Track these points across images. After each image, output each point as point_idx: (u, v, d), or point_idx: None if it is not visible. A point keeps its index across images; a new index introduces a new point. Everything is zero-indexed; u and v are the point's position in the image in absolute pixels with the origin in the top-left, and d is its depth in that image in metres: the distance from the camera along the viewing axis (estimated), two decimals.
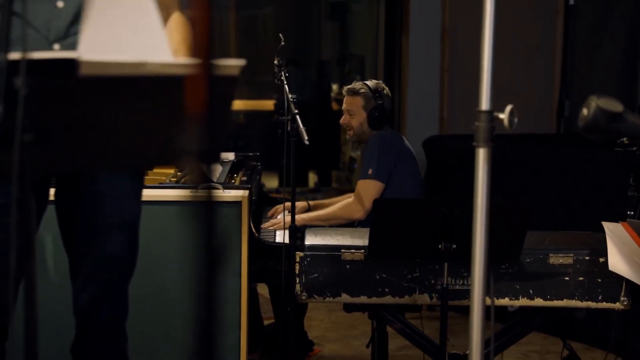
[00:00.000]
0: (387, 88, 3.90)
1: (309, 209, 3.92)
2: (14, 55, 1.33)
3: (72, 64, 1.33)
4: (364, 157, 3.82)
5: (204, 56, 0.96)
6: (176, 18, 2.30)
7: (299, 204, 3.86)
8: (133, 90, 1.41)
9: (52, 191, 2.28)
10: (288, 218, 3.16)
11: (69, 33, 2.11)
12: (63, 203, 2.27)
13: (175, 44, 2.25)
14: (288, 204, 3.25)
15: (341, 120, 3.91)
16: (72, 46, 2.09)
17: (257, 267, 3.25)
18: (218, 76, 0.99)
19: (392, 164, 3.72)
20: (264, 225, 3.65)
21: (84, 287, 2.27)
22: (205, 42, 0.95)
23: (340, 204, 3.80)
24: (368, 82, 3.89)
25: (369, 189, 3.66)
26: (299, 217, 3.49)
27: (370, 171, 3.70)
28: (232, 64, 1.41)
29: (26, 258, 1.46)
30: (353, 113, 3.86)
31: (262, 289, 4.21)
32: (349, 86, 3.92)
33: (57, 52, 1.34)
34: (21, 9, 2.02)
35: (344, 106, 3.91)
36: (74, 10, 2.11)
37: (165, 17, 2.29)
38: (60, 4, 2.10)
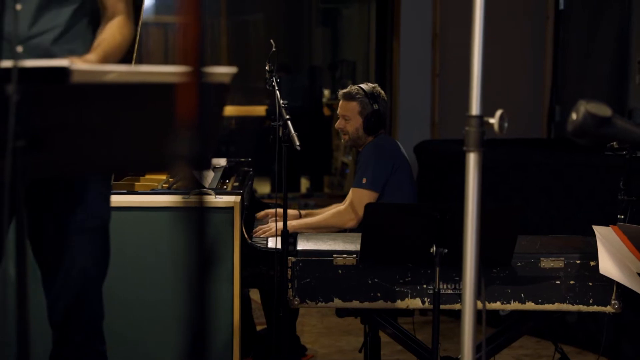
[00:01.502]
0: (383, 92, 3.83)
1: (299, 217, 3.88)
2: (6, 63, 1.34)
3: (64, 71, 1.34)
4: (359, 164, 3.77)
5: (195, 64, 0.97)
6: (116, 20, 2.29)
7: (291, 211, 3.80)
8: (124, 98, 1.42)
9: None
10: (280, 224, 3.16)
11: (31, 35, 2.13)
12: (32, 211, 2.25)
13: (100, 40, 2.24)
14: (280, 209, 3.23)
15: (336, 125, 3.85)
16: (35, 48, 2.11)
17: (249, 273, 3.25)
18: (209, 84, 1.00)
19: (387, 173, 3.68)
20: (256, 233, 3.64)
21: (59, 296, 2.26)
22: (196, 50, 0.95)
23: (332, 212, 3.75)
24: (364, 86, 3.81)
25: (362, 198, 3.61)
26: (289, 223, 3.48)
27: (364, 180, 3.66)
28: (224, 71, 1.41)
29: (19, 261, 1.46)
30: (348, 118, 3.79)
31: (255, 295, 4.21)
32: (345, 90, 3.83)
33: (49, 60, 1.35)
34: None
35: (339, 110, 3.83)
36: (33, 12, 2.13)
37: (110, 16, 2.29)
38: (18, 7, 2.12)
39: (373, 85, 3.85)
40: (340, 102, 3.83)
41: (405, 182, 3.75)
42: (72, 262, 2.24)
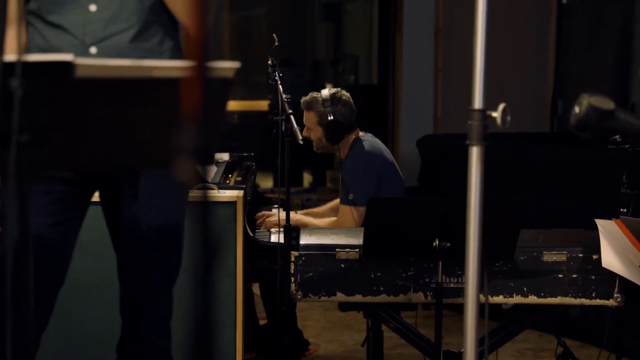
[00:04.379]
0: (345, 95, 3.74)
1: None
2: (10, 57, 1.34)
3: (68, 66, 1.34)
4: (345, 177, 3.72)
5: (199, 59, 0.97)
6: None
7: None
8: (128, 92, 1.42)
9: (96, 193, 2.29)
10: (282, 216, 3.17)
11: (105, 35, 2.12)
12: (107, 205, 2.28)
13: None
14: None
15: (303, 134, 3.70)
16: (109, 49, 2.10)
17: (251, 267, 3.25)
18: (213, 78, 1.00)
19: (374, 184, 3.65)
20: (258, 221, 3.65)
21: (129, 289, 2.29)
22: (200, 45, 0.96)
23: (330, 223, 3.74)
24: (324, 92, 3.73)
25: (353, 215, 3.59)
26: (295, 217, 3.48)
27: (351, 196, 3.63)
28: (227, 66, 1.42)
29: (23, 259, 1.46)
30: (310, 128, 3.76)
31: (257, 289, 4.21)
32: (304, 99, 3.77)
33: (52, 55, 1.35)
34: (56, 17, 2.05)
35: (303, 120, 3.79)
36: (108, 13, 2.12)
37: None
38: (92, 8, 2.11)
39: (335, 90, 3.76)
40: (304, 112, 3.79)
41: (393, 179, 3.73)
42: (143, 256, 2.25)
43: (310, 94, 3.78)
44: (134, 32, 2.14)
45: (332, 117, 3.67)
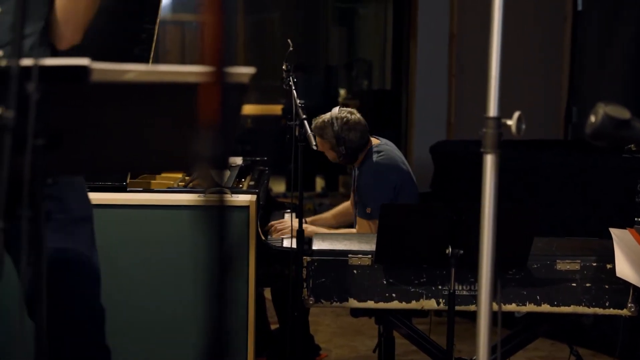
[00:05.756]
0: (353, 118, 3.65)
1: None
2: (26, 62, 1.34)
3: (84, 70, 1.34)
4: (360, 188, 3.70)
5: (217, 64, 0.97)
6: None
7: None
8: (143, 97, 1.42)
9: None
10: (295, 224, 3.16)
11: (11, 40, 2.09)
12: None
13: None
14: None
15: (318, 148, 3.67)
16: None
17: (264, 272, 3.25)
18: (229, 83, 1.00)
19: (391, 196, 3.65)
20: (271, 229, 3.65)
21: (49, 315, 2.23)
22: (217, 50, 0.96)
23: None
24: (333, 118, 3.65)
25: (373, 228, 3.59)
26: (308, 228, 3.47)
27: (369, 210, 3.62)
28: (243, 71, 1.42)
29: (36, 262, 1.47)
30: (325, 150, 3.75)
31: (269, 294, 4.21)
32: (315, 124, 3.68)
33: (69, 59, 1.35)
34: None
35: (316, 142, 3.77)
36: (12, 18, 2.09)
37: None
38: None
39: (343, 116, 3.68)
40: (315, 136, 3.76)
41: (408, 188, 3.72)
42: (52, 260, 2.19)
43: (320, 118, 3.71)
44: (34, 40, 2.11)
45: (343, 148, 3.66)
